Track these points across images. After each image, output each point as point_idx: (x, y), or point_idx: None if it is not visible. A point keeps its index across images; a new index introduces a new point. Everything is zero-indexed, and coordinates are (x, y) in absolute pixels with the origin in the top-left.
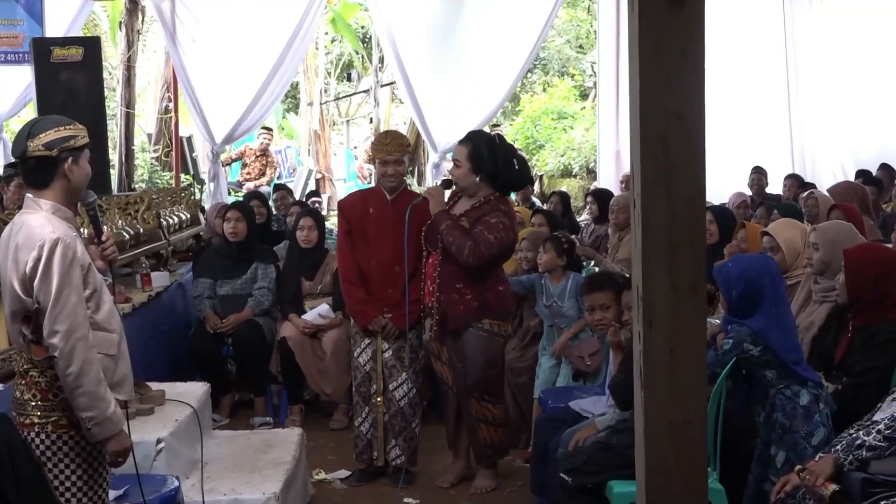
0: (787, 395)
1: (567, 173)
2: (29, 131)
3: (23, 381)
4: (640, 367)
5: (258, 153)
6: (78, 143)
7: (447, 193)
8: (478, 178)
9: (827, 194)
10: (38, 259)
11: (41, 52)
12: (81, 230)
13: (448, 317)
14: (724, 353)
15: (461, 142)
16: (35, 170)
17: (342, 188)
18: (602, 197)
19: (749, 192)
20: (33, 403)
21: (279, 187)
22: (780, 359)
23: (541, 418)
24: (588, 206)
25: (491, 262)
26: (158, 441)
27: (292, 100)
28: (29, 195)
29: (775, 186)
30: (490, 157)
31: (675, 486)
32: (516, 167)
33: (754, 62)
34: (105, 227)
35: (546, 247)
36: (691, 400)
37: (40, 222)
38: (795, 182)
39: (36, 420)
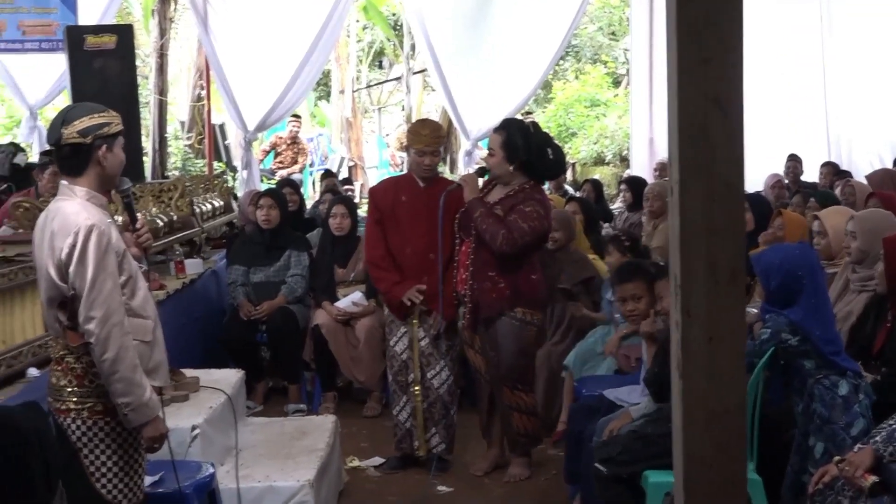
0: (825, 386)
1: (600, 161)
2: (63, 118)
3: (59, 368)
4: (679, 356)
5: (288, 141)
6: (112, 131)
7: (481, 181)
8: (511, 167)
9: (864, 182)
10: (74, 245)
11: (75, 39)
12: (115, 217)
13: (481, 305)
14: (762, 342)
15: (495, 130)
16: (69, 157)
17: (374, 176)
18: (636, 184)
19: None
20: (69, 389)
21: (329, 174)
22: (819, 349)
23: (575, 407)
24: (622, 194)
25: (524, 250)
26: (193, 428)
27: (324, 87)
28: (63, 182)
29: (811, 174)
30: (524, 146)
31: (714, 477)
32: (551, 156)
33: (789, 49)
34: (139, 215)
35: (609, 249)
36: (730, 389)
37: (75, 209)
38: (831, 170)
39: (72, 406)
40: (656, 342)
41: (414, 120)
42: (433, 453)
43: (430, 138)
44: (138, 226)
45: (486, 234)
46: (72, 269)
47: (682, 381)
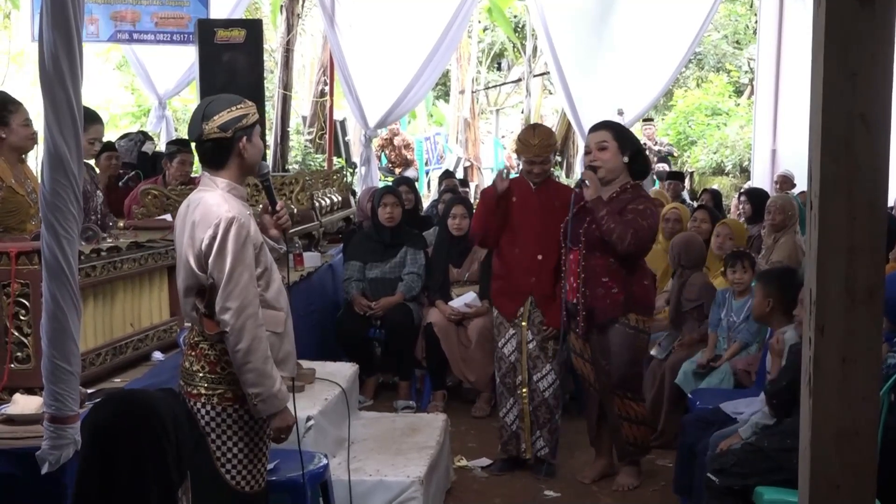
0: None
1: (719, 171)
2: (203, 114)
3: (192, 353)
4: (810, 374)
5: (389, 139)
6: (250, 122)
7: None
8: (625, 158)
9: None
10: (214, 237)
11: (205, 33)
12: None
13: (595, 311)
14: (889, 367)
15: (601, 127)
16: (212, 151)
17: (489, 177)
18: (756, 196)
19: None
20: (201, 375)
21: (448, 174)
22: None
23: (688, 418)
24: (741, 206)
25: (645, 249)
26: (308, 418)
27: (442, 87)
28: (206, 174)
29: None
30: (631, 136)
31: (841, 498)
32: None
33: None
34: (278, 198)
35: (744, 266)
36: (862, 410)
37: (217, 201)
38: None
39: (203, 391)
40: (782, 358)
41: (532, 123)
42: (537, 456)
43: (538, 148)
44: (278, 208)
45: (614, 233)
46: (211, 259)
47: (813, 399)
